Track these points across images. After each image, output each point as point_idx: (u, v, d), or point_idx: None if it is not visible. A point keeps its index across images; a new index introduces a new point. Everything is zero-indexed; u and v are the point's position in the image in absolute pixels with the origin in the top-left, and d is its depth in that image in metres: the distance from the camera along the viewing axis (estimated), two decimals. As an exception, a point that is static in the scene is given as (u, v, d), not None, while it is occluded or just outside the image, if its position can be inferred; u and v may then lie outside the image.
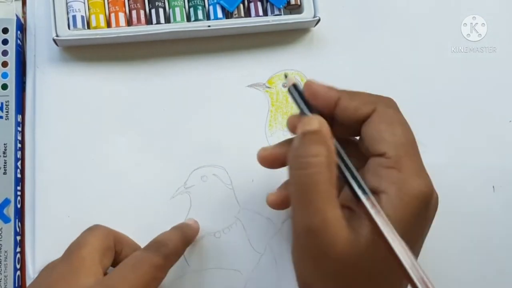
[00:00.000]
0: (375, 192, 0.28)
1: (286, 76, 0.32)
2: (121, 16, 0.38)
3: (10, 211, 0.36)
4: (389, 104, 0.30)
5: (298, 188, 0.28)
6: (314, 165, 0.27)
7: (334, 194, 0.27)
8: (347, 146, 0.30)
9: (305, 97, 0.30)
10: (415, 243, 0.29)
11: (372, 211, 0.26)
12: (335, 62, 0.41)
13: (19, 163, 0.38)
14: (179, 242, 0.35)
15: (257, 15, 0.39)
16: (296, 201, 0.28)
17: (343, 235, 0.27)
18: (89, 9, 0.38)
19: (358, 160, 0.30)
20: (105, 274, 0.32)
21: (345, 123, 0.30)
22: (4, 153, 0.37)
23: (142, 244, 0.36)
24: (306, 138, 0.28)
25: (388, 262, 0.26)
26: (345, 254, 0.27)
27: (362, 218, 0.27)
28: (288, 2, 0.39)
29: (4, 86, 0.38)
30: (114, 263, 0.34)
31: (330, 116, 0.30)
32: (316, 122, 0.28)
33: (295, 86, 0.31)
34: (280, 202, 0.33)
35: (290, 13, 0.40)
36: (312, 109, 0.30)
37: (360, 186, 0.27)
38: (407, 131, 0.29)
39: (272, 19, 0.39)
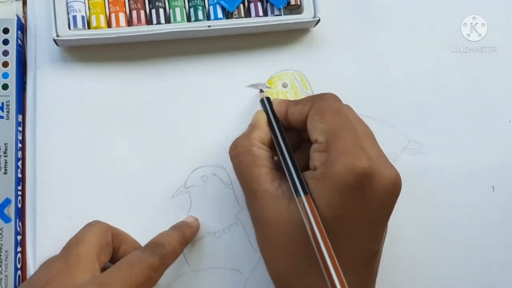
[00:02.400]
0: None
1: (261, 91, 0.39)
2: (122, 16, 0.38)
3: (10, 210, 0.36)
4: (323, 98, 0.34)
5: (236, 174, 0.34)
6: (236, 156, 0.34)
7: (259, 173, 0.33)
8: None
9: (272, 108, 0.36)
10: (350, 219, 0.30)
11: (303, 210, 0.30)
12: (335, 62, 0.41)
13: (19, 163, 0.38)
14: (177, 243, 0.35)
15: (257, 15, 0.39)
16: (240, 182, 0.34)
17: (271, 204, 0.32)
18: (89, 9, 0.38)
19: None
20: (102, 270, 0.33)
21: (299, 128, 0.34)
22: (4, 153, 0.37)
23: (142, 243, 0.36)
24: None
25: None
26: (271, 220, 0.32)
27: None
28: (288, 2, 0.39)
29: (5, 86, 0.38)
30: (113, 259, 0.34)
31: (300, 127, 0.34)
32: (254, 116, 0.36)
33: (267, 98, 0.37)
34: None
35: (290, 13, 0.40)
36: (276, 117, 0.36)
37: (300, 185, 0.31)
38: (338, 116, 0.32)
39: (272, 19, 0.39)
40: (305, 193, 0.30)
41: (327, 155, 0.31)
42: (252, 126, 0.35)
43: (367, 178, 0.30)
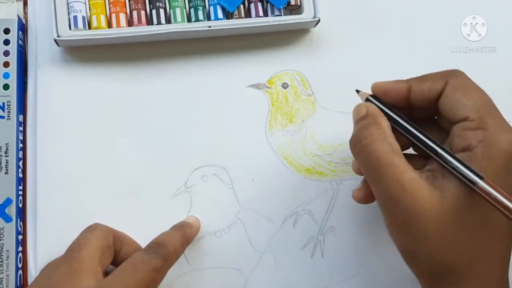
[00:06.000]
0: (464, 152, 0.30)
1: (357, 91, 0.35)
2: (122, 16, 0.38)
3: (11, 210, 0.37)
4: (459, 74, 0.32)
5: (366, 169, 0.31)
6: (369, 145, 0.30)
7: (401, 161, 0.30)
8: (427, 128, 0.32)
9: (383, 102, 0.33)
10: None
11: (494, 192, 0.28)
12: (335, 62, 0.41)
13: (20, 163, 0.38)
14: (179, 243, 0.35)
15: (257, 15, 0.39)
16: (370, 180, 0.31)
17: (424, 194, 0.29)
18: (90, 9, 0.38)
19: (440, 136, 0.32)
20: (105, 273, 0.33)
21: (423, 106, 0.32)
22: (6, 153, 0.37)
23: (143, 244, 0.36)
24: (357, 125, 0.32)
25: (485, 214, 0.29)
26: (430, 211, 0.29)
27: (446, 177, 0.29)
28: (288, 3, 0.39)
29: (6, 86, 0.38)
30: (114, 262, 0.35)
31: (407, 106, 0.33)
32: (363, 108, 0.33)
33: (372, 97, 0.34)
34: (365, 196, 0.34)
35: (290, 14, 0.40)
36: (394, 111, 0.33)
37: (473, 172, 0.29)
38: (483, 94, 0.31)
39: (272, 20, 0.39)
40: (481, 178, 0.28)
41: (485, 132, 0.29)
42: (372, 116, 0.32)
43: None
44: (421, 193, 0.29)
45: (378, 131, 0.31)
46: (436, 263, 0.30)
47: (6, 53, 0.38)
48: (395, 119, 0.32)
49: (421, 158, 0.33)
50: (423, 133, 0.31)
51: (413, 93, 0.32)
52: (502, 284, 0.30)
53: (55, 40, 0.37)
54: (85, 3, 0.38)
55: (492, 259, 0.30)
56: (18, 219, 0.37)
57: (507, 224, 0.30)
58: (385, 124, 0.32)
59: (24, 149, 0.38)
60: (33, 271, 0.37)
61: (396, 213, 0.30)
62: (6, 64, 0.38)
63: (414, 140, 0.31)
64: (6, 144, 0.37)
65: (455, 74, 0.32)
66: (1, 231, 0.36)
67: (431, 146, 0.31)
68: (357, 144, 0.31)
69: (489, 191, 0.28)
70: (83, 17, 0.38)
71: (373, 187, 0.31)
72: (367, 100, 0.34)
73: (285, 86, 0.40)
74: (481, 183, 0.28)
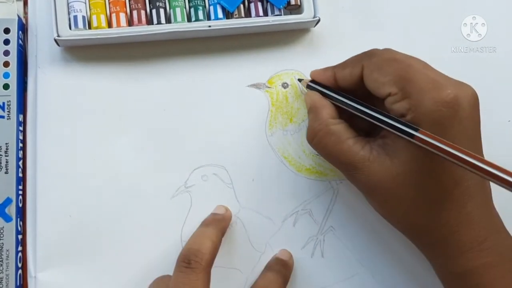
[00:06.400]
0: None
1: (299, 80, 0.39)
2: (122, 16, 0.38)
3: (11, 210, 0.37)
4: (372, 54, 0.34)
5: (327, 160, 0.35)
6: (318, 142, 0.34)
7: (348, 146, 0.33)
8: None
9: (322, 84, 0.36)
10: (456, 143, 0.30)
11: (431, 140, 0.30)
12: (335, 62, 0.41)
13: (20, 163, 0.38)
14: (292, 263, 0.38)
15: (257, 15, 0.39)
16: (335, 167, 0.35)
17: (375, 168, 0.32)
18: (90, 9, 0.38)
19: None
20: None
21: (354, 89, 0.34)
22: (5, 152, 0.37)
23: (141, 243, 0.36)
24: (308, 119, 0.36)
25: (439, 169, 0.31)
26: (384, 181, 0.32)
27: (395, 141, 0.32)
28: (288, 3, 0.39)
29: (6, 86, 0.38)
30: None
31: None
32: (307, 100, 0.36)
33: (312, 82, 0.37)
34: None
35: (290, 13, 0.40)
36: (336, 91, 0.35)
37: (407, 126, 0.31)
38: (397, 63, 0.32)
39: (272, 19, 0.39)
40: (415, 129, 0.30)
41: (409, 100, 0.31)
42: (314, 108, 0.35)
43: (456, 102, 0.30)
44: (372, 168, 0.32)
45: (320, 125, 0.34)
46: (409, 226, 0.33)
47: (6, 53, 0.38)
48: (332, 96, 0.35)
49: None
50: (359, 103, 0.33)
51: (338, 79, 0.35)
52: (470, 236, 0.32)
53: (55, 40, 0.37)
54: (85, 3, 0.38)
55: (453, 212, 0.31)
56: (18, 219, 0.37)
57: (466, 177, 0.31)
58: (326, 113, 0.34)
59: (24, 148, 0.38)
60: (33, 271, 0.37)
61: (361, 188, 0.34)
62: (6, 64, 0.38)
63: (354, 112, 0.34)
64: (6, 143, 0.37)
65: (368, 55, 0.34)
66: (1, 231, 0.36)
67: (367, 112, 0.33)
68: (310, 142, 0.35)
69: (426, 140, 0.29)
70: (83, 17, 0.38)
71: (339, 169, 0.34)
72: (308, 86, 0.37)
73: (285, 85, 0.40)
74: (417, 134, 0.30)
